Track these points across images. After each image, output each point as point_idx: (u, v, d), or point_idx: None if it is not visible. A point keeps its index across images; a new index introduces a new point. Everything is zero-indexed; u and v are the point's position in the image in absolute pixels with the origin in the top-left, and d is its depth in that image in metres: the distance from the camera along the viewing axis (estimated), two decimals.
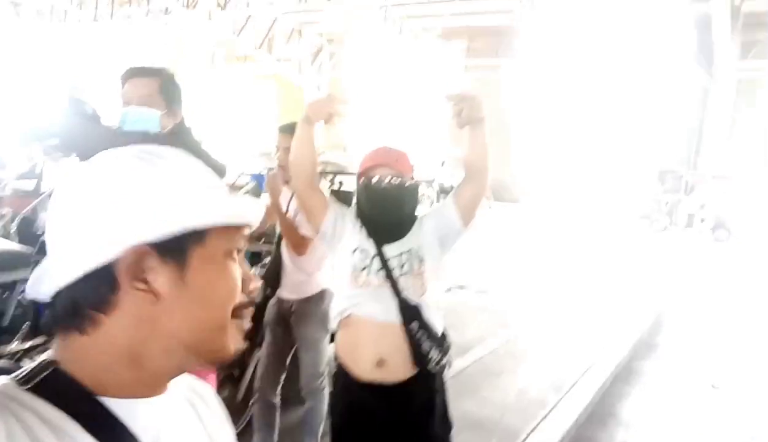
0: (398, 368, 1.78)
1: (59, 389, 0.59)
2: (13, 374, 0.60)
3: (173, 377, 0.67)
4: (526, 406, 4.01)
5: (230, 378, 3.16)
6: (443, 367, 1.86)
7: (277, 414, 2.82)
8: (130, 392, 0.63)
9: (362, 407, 1.83)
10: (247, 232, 0.69)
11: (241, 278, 0.68)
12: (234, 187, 5.69)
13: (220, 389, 2.75)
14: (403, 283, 1.80)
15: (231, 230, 0.65)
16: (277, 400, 2.81)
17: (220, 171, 1.98)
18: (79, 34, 19.84)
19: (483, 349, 5.18)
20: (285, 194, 2.68)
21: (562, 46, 21.63)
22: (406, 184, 1.81)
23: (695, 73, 21.53)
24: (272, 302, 2.83)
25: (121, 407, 0.62)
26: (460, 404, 3.87)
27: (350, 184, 5.67)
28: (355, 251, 1.85)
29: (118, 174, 0.61)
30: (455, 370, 4.55)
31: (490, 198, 17.72)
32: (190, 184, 0.63)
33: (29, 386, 0.59)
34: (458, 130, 1.81)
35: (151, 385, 0.65)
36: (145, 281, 0.60)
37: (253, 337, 3.01)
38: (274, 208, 2.60)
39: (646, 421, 4.05)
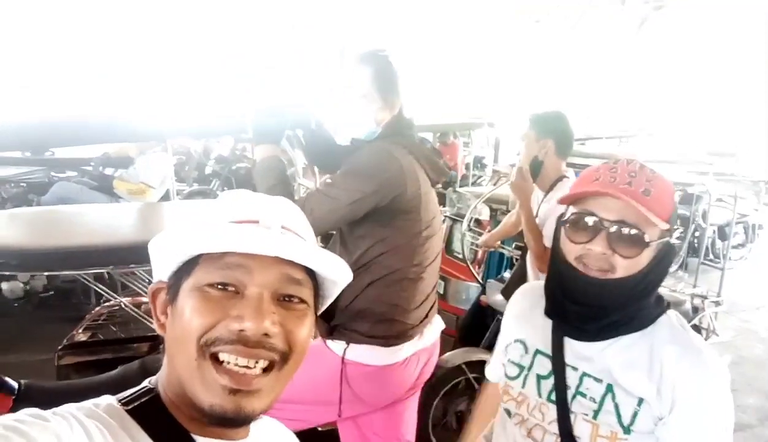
0: None
1: (153, 417, 0.65)
2: (118, 396, 0.67)
3: (223, 422, 0.64)
4: None
5: None
6: None
7: None
8: (213, 433, 0.66)
9: None
10: (256, 265, 0.64)
11: (236, 312, 0.62)
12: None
13: None
14: (581, 425, 0.99)
15: (218, 261, 0.64)
16: None
17: (440, 171, 1.76)
18: None
19: None
20: (536, 195, 2.32)
21: None
22: (647, 242, 0.94)
23: None
24: None
25: None
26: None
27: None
28: (514, 340, 1.15)
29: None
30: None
31: None
32: (185, 224, 0.68)
33: (129, 408, 0.64)
34: None
35: (219, 426, 0.65)
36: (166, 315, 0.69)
37: None
38: (522, 210, 2.23)
39: None
